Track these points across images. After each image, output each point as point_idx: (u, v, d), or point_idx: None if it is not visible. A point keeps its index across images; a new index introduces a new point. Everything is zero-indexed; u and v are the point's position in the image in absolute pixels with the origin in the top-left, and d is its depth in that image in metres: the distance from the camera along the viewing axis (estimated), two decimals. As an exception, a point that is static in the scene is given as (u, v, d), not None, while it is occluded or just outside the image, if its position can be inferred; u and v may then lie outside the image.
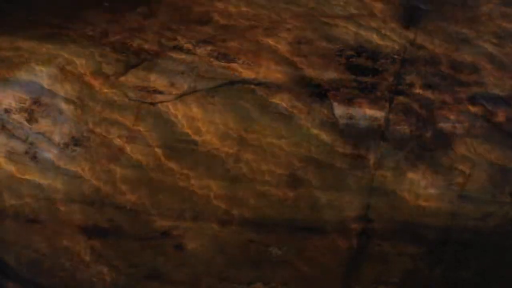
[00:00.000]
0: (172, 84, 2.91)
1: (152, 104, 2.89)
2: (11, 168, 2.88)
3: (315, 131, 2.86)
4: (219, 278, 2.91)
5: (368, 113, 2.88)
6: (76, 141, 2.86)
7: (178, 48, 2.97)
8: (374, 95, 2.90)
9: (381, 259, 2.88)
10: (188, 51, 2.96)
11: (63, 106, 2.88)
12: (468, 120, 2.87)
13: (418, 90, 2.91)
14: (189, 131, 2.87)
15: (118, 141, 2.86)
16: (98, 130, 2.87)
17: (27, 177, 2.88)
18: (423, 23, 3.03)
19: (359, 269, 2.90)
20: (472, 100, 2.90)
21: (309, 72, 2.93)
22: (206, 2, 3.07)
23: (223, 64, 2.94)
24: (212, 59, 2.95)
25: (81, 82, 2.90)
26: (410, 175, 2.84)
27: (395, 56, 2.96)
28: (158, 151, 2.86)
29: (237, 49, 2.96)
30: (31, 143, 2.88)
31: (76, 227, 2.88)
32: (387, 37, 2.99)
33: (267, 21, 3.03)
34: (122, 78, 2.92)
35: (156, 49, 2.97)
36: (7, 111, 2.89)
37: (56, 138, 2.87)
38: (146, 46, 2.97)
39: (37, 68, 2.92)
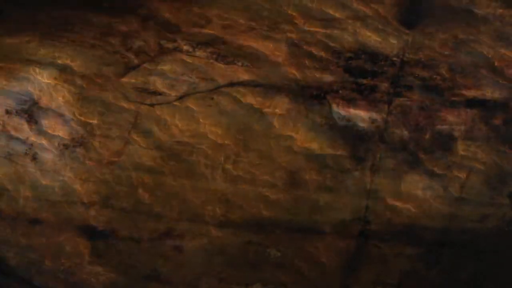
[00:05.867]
0: (172, 86, 2.91)
1: (151, 105, 2.89)
2: (11, 169, 2.88)
3: (314, 133, 2.86)
4: (218, 279, 2.91)
5: (367, 115, 2.88)
6: (75, 143, 2.86)
7: (178, 50, 2.97)
8: (373, 97, 2.90)
9: (379, 260, 2.88)
10: (187, 53, 2.96)
11: (63, 107, 2.88)
12: (466, 123, 2.87)
13: (416, 93, 2.91)
14: (188, 133, 2.87)
15: (117, 143, 2.86)
16: (97, 131, 2.87)
17: (27, 178, 2.88)
18: (422, 26, 3.03)
19: (358, 270, 2.90)
20: (470, 103, 2.90)
21: (308, 74, 2.93)
22: (206, 5, 3.07)
23: (222, 66, 2.94)
24: (211, 61, 2.95)
25: (81, 84, 2.90)
26: (409, 177, 2.84)
27: (394, 59, 2.96)
28: (157, 152, 2.86)
29: (236, 51, 2.96)
30: (31, 144, 2.88)
31: (75, 228, 2.88)
32: (386, 40, 2.98)
33: (266, 23, 3.02)
34: (122, 80, 2.92)
35: (156, 50, 2.97)
36: (7, 112, 2.90)
37: (56, 139, 2.87)
38: (146, 48, 2.97)
39: (38, 69, 2.92)
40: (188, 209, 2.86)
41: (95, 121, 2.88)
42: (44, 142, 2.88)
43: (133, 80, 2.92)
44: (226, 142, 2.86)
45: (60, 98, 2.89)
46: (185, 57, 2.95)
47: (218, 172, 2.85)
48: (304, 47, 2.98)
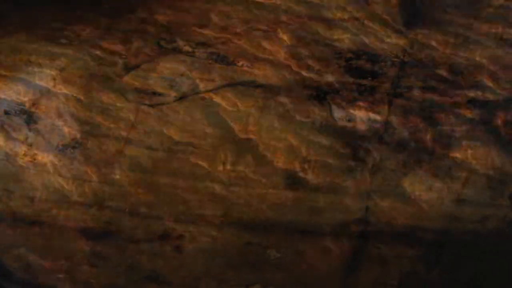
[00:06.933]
0: (171, 86, 2.90)
1: (151, 106, 2.88)
2: (10, 169, 2.87)
3: (314, 133, 2.86)
4: (217, 280, 2.91)
5: (367, 116, 2.87)
6: (74, 143, 2.86)
7: (178, 50, 2.96)
8: (373, 97, 2.89)
9: (379, 261, 2.87)
10: (187, 53, 2.96)
11: (62, 107, 2.88)
12: (467, 123, 2.86)
13: (417, 93, 2.90)
14: (188, 133, 2.86)
15: (116, 143, 2.86)
16: (96, 132, 2.86)
17: (26, 178, 2.87)
18: (423, 26, 3.02)
19: (358, 271, 2.89)
20: (471, 103, 2.89)
21: (308, 74, 2.93)
22: (206, 4, 3.06)
23: (222, 66, 2.93)
24: (211, 61, 2.94)
25: (80, 84, 2.90)
26: (409, 178, 2.84)
27: (394, 59, 2.95)
28: (157, 153, 2.85)
29: (236, 51, 2.95)
30: (30, 145, 2.87)
31: (74, 229, 2.87)
32: (386, 40, 2.98)
33: (266, 23, 3.02)
34: (121, 80, 2.91)
35: (156, 51, 2.96)
36: (6, 112, 2.89)
37: (55, 139, 2.86)
38: (145, 48, 2.96)
39: (37, 69, 2.91)
40: (187, 210, 2.85)
41: (94, 122, 2.87)
42: (43, 142, 2.87)
43: (132, 81, 2.91)
44: (225, 142, 2.85)
45: (60, 99, 2.89)
46: (184, 58, 2.94)
47: (217, 173, 2.84)
48: (304, 47, 2.97)
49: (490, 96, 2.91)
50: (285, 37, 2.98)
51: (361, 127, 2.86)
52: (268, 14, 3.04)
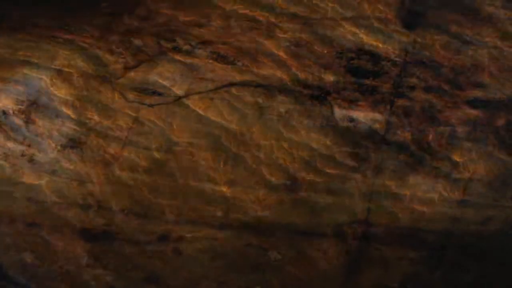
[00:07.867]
0: (171, 86, 2.90)
1: (150, 106, 2.88)
2: (7, 170, 2.86)
3: (315, 134, 2.85)
4: (217, 282, 2.90)
5: (368, 116, 2.87)
6: (73, 143, 2.85)
7: (177, 50, 2.96)
8: (374, 98, 2.89)
9: (381, 263, 2.86)
10: (187, 53, 2.95)
11: (61, 108, 2.87)
12: (469, 124, 2.86)
13: (419, 93, 2.90)
14: (188, 134, 2.86)
15: (115, 144, 2.85)
16: (95, 132, 2.86)
17: (24, 179, 2.86)
18: (425, 26, 3.02)
19: (359, 273, 2.88)
20: (473, 103, 2.89)
21: (309, 74, 2.92)
22: (205, 4, 3.06)
23: (222, 66, 2.93)
24: (211, 61, 2.94)
25: (79, 84, 2.89)
26: (411, 179, 2.83)
27: (396, 59, 2.95)
28: (156, 153, 2.84)
29: (236, 51, 2.95)
30: (28, 145, 2.86)
31: (73, 231, 2.86)
32: (388, 40, 2.98)
33: (266, 23, 3.02)
34: (121, 80, 2.91)
35: (155, 50, 2.96)
36: (4, 112, 2.88)
37: (54, 140, 2.86)
38: (145, 48, 2.96)
39: (35, 69, 2.91)
40: (187, 211, 2.84)
41: (93, 122, 2.86)
42: (41, 143, 2.86)
43: (132, 81, 2.91)
44: (226, 143, 2.85)
45: (58, 99, 2.88)
46: (184, 57, 2.94)
47: (217, 174, 2.83)
48: (305, 47, 2.97)
49: (492, 96, 2.90)
50: (285, 36, 2.98)
51: (363, 127, 2.86)
52: (269, 13, 3.04)
